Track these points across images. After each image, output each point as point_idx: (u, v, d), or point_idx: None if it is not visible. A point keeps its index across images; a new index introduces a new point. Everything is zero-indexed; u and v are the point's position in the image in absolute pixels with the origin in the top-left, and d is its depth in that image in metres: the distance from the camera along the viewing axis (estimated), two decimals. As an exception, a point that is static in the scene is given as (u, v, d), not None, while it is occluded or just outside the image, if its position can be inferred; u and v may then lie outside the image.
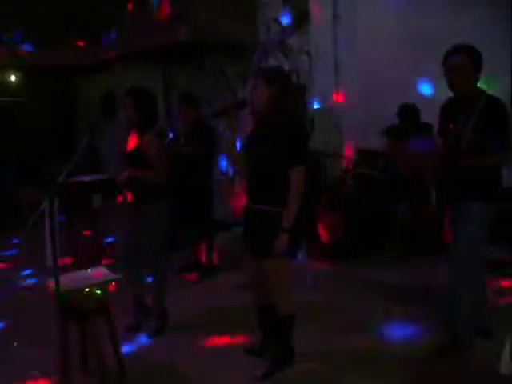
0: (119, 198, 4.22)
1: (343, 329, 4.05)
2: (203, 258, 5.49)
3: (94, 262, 4.60)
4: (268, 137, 3.17)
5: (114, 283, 3.29)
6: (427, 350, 3.60)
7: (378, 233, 5.65)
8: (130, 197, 4.07)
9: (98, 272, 3.43)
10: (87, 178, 5.83)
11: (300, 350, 3.51)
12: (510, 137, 3.29)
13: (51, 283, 3.00)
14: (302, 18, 6.96)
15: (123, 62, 8.27)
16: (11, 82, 8.88)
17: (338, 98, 6.79)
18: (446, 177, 3.44)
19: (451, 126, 3.39)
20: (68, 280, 3.23)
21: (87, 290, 3.20)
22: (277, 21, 7.12)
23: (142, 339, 4.07)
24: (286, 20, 7.07)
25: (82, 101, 10.31)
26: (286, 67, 7.07)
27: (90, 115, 9.77)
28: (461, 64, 3.30)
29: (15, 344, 4.05)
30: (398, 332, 3.94)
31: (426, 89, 5.88)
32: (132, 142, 4.08)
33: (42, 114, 8.94)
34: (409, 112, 5.37)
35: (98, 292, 3.25)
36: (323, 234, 5.68)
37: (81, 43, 8.38)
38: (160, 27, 6.75)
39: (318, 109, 6.83)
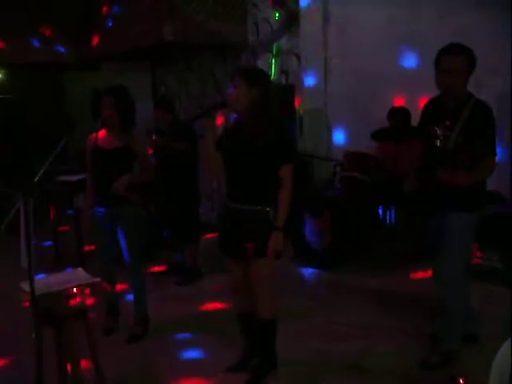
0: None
1: (330, 335, 3.99)
2: (189, 261, 5.40)
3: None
4: (253, 137, 3.09)
5: (91, 287, 3.20)
6: (414, 359, 3.53)
7: (365, 237, 5.57)
8: (104, 199, 3.98)
9: (76, 274, 3.33)
10: (74, 178, 5.73)
11: (284, 356, 3.44)
12: (495, 143, 3.23)
13: (24, 285, 2.90)
14: (292, 19, 6.88)
15: (111, 61, 8.16)
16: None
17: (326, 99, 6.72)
18: (429, 184, 3.32)
19: (436, 128, 3.27)
20: (44, 283, 3.13)
21: (63, 293, 3.11)
22: (267, 21, 7.05)
23: (119, 344, 3.99)
24: (275, 21, 7.00)
25: (70, 99, 10.19)
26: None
27: (77, 114, 9.65)
28: (457, 66, 3.16)
29: None
30: (383, 340, 3.87)
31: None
32: (110, 141, 3.98)
33: (28, 111, 8.80)
34: (399, 115, 5.29)
35: (76, 295, 3.16)
36: (310, 238, 5.59)
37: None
38: (146, 26, 6.64)
39: (306, 110, 6.75)
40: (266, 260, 3.12)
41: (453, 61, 3.17)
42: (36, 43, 8.05)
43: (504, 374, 1.87)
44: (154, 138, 5.18)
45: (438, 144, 3.26)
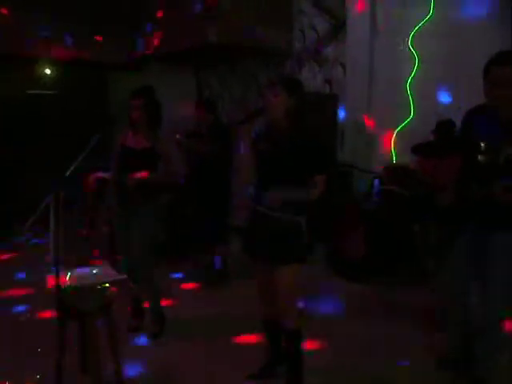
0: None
1: (356, 349, 3.90)
2: (217, 264, 5.38)
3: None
4: (289, 146, 3.08)
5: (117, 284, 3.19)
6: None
7: (399, 252, 5.44)
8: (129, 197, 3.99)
9: (103, 271, 3.32)
10: (108, 175, 5.76)
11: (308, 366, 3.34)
12: None
13: (51, 279, 2.91)
14: (338, 28, 6.79)
15: (156, 62, 8.23)
16: (46, 74, 8.91)
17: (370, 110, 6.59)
18: (473, 198, 3.10)
19: (481, 142, 3.07)
20: (71, 277, 3.14)
21: (90, 288, 3.11)
22: (313, 29, 6.99)
23: (142, 341, 4.03)
24: (322, 29, 6.93)
25: (114, 99, 10.33)
26: (320, 77, 6.95)
27: (118, 114, 9.77)
28: (508, 77, 2.90)
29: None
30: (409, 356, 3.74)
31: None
32: (137, 141, 4.02)
33: (73, 109, 8.95)
34: (444, 128, 5.14)
35: (101, 292, 3.15)
36: (345, 249, 5.51)
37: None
38: (190, 27, 6.67)
39: (348, 121, 6.64)
40: (290, 267, 3.09)
41: (502, 71, 2.94)
42: (83, 42, 8.19)
43: None
44: (177, 137, 5.15)
45: (484, 159, 3.06)
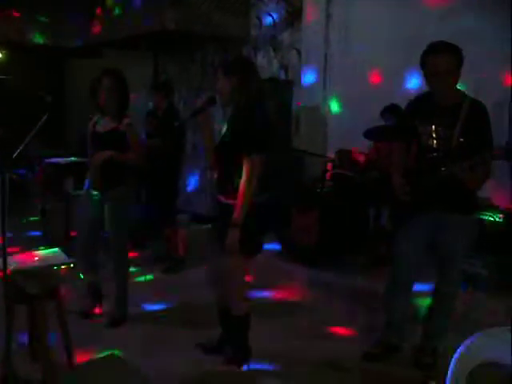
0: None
1: (309, 333, 3.97)
2: (173, 251, 5.39)
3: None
4: (228, 127, 3.11)
5: (65, 267, 3.19)
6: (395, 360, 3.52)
7: (351, 236, 5.53)
8: (96, 181, 3.96)
9: (52, 254, 3.32)
10: (62, 161, 5.72)
11: (260, 351, 3.42)
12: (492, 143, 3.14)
13: (-1, 262, 2.89)
14: (294, 15, 6.84)
15: (112, 48, 8.15)
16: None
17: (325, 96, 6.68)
18: (422, 183, 3.22)
19: (430, 127, 3.18)
20: (18, 260, 3.12)
21: (37, 271, 3.10)
22: (269, 15, 7.02)
23: (96, 327, 3.98)
24: (278, 15, 6.97)
25: (70, 84, 10.19)
26: (276, 63, 7.00)
27: (78, 98, 9.65)
28: (449, 65, 3.03)
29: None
30: (364, 339, 3.84)
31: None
32: (104, 124, 3.99)
33: (27, 94, 8.78)
34: (392, 113, 5.23)
35: (49, 275, 3.15)
36: (297, 234, 5.56)
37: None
38: (148, 13, 6.63)
39: (303, 107, 6.71)
40: (230, 256, 3.06)
41: (444, 60, 3.03)
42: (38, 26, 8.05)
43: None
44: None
45: (434, 144, 3.18)
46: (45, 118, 3.04)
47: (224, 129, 3.17)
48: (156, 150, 5.06)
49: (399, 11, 5.86)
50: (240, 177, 2.98)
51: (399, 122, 3.53)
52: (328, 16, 6.66)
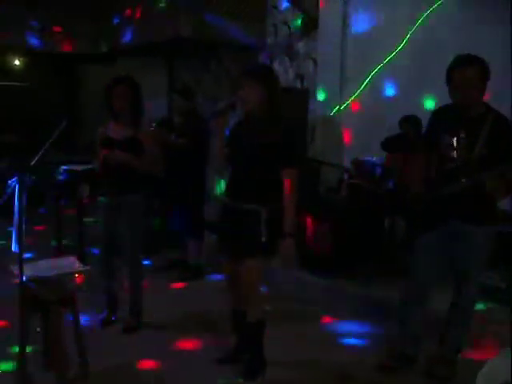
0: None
1: (321, 343, 3.92)
2: (192, 258, 5.35)
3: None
4: (257, 137, 3.08)
5: (81, 275, 3.18)
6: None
7: (365, 246, 5.47)
8: (109, 187, 3.97)
9: (68, 262, 3.30)
10: (79, 168, 5.71)
11: (273, 359, 3.39)
12: None
13: (14, 268, 2.88)
14: (310, 24, 6.83)
15: (127, 55, 8.19)
16: (15, 66, 8.80)
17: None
18: (444, 193, 3.18)
19: (453, 138, 3.16)
20: (34, 268, 3.11)
21: (52, 279, 3.09)
22: (286, 24, 7.01)
23: (112, 335, 3.95)
24: (294, 24, 6.96)
25: (84, 91, 10.23)
26: (291, 72, 6.98)
27: (92, 105, 9.69)
28: (475, 77, 3.04)
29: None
30: (377, 350, 3.79)
31: (430, 103, 5.72)
32: (119, 131, 3.96)
33: (43, 100, 8.84)
34: (410, 124, 5.20)
35: (65, 283, 3.14)
36: (311, 244, 5.51)
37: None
38: (163, 21, 6.65)
39: (319, 117, 6.68)
40: (253, 260, 3.08)
41: (471, 72, 3.05)
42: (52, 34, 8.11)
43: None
44: (152, 128, 5.11)
45: (455, 154, 3.16)
46: (63, 125, 3.03)
47: (245, 136, 3.14)
48: (183, 152, 4.98)
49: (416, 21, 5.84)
50: (269, 186, 3.06)
51: (424, 134, 3.50)
52: (344, 25, 6.65)
